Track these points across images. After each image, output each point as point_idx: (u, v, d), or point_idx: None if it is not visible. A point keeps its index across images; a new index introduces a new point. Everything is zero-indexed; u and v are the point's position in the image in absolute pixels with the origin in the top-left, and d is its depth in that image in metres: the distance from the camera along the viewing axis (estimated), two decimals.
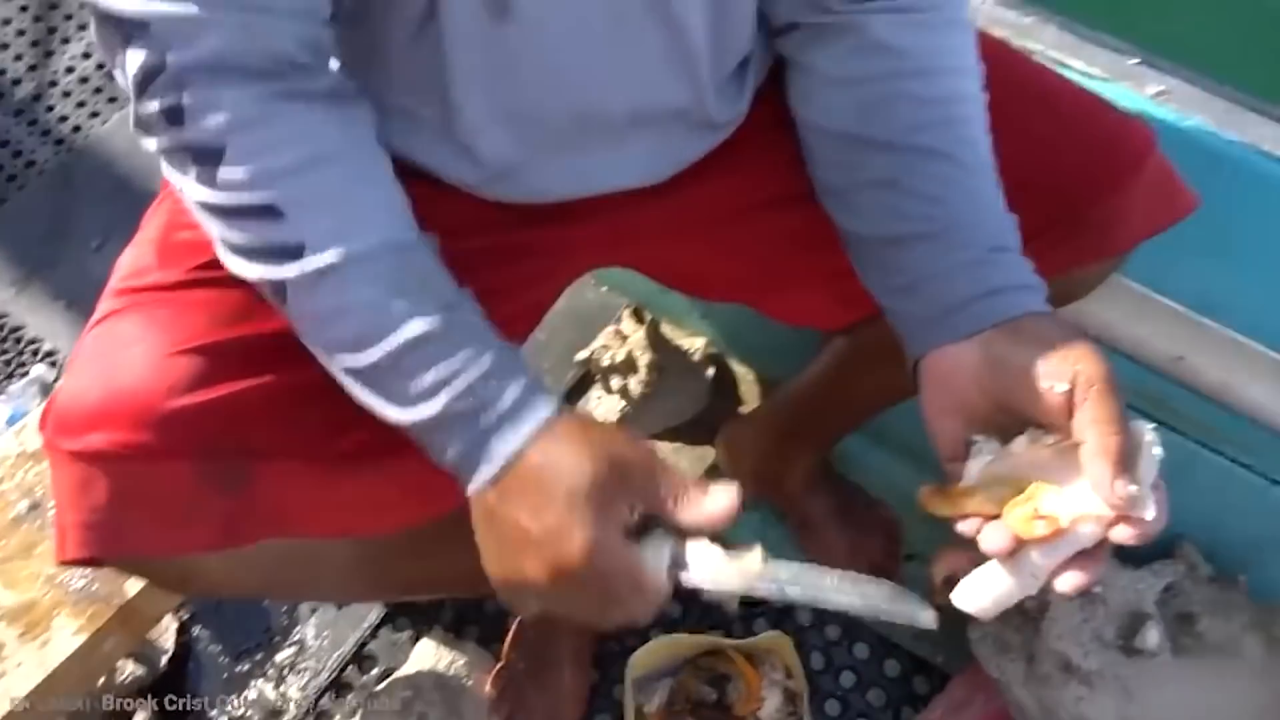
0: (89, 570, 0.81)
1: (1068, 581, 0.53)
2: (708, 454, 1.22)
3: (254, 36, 0.54)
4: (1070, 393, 0.52)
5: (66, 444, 0.59)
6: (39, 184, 1.48)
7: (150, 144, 0.57)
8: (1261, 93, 0.87)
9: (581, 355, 1.27)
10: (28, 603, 0.79)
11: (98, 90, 1.57)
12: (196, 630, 1.11)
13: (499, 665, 1.05)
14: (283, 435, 0.62)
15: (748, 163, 0.75)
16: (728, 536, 0.55)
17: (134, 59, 0.54)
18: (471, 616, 1.11)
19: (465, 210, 0.69)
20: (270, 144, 0.55)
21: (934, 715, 1.04)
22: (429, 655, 1.05)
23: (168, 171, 0.57)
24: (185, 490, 0.59)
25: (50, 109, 1.56)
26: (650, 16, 0.63)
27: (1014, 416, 0.56)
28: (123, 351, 0.60)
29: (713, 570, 0.54)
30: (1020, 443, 0.55)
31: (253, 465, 0.61)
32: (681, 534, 0.54)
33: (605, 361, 1.23)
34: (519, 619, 1.07)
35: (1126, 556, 0.95)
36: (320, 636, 1.11)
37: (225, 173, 0.54)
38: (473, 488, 0.56)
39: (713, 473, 1.22)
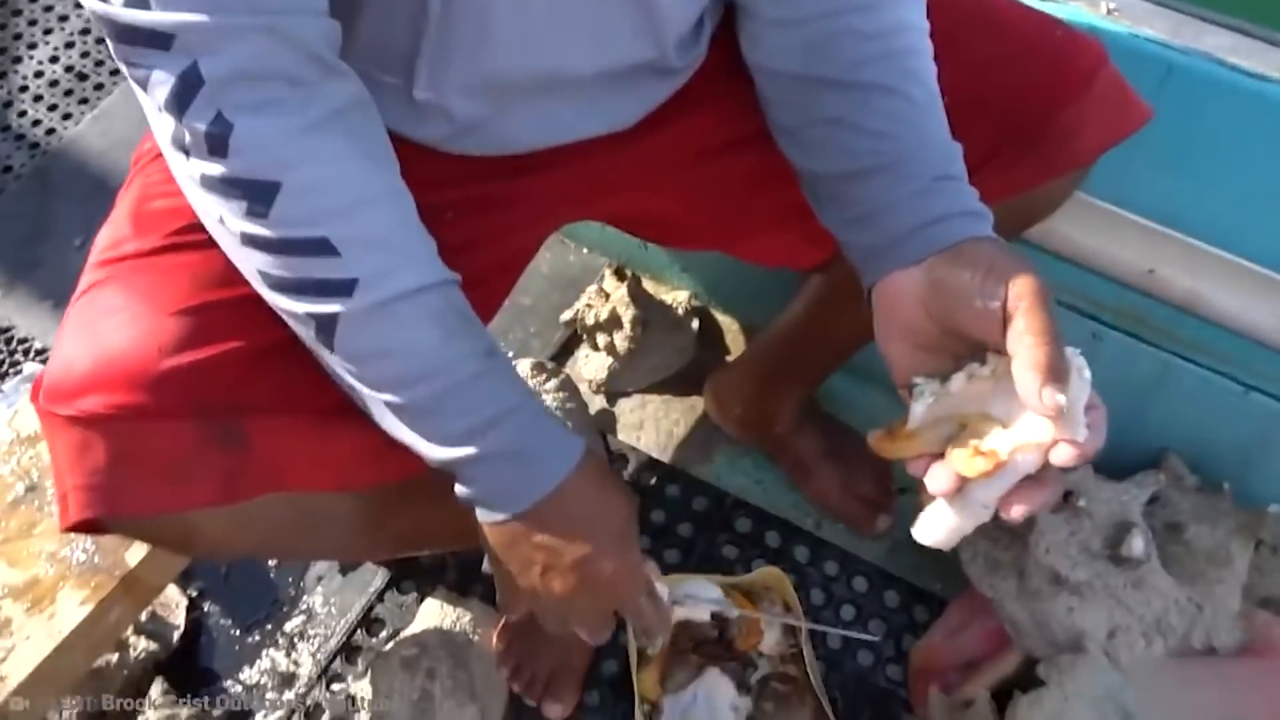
0: (90, 544, 0.82)
1: (1016, 510, 0.54)
2: (697, 404, 1.24)
3: (281, 38, 0.54)
4: (1004, 308, 0.54)
5: (61, 409, 0.60)
6: (17, 188, 1.48)
7: (189, 167, 0.56)
8: (1214, 5, 0.88)
9: (567, 316, 1.28)
10: (31, 579, 0.80)
11: (68, 93, 1.58)
12: (206, 606, 1.13)
13: (504, 618, 1.06)
14: (275, 391, 0.63)
15: (708, 105, 0.76)
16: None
17: (164, 74, 0.53)
18: (475, 575, 1.13)
19: (433, 164, 0.70)
20: (322, 182, 0.56)
21: (933, 640, 1.06)
22: (435, 614, 1.07)
23: (204, 198, 0.57)
24: (182, 448, 0.60)
25: (22, 114, 1.56)
26: None
27: (959, 340, 0.57)
28: (109, 319, 0.61)
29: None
30: (958, 380, 0.57)
31: (247, 421, 0.62)
32: None
33: (590, 320, 1.25)
34: None
35: (1111, 470, 0.97)
36: (327, 604, 1.13)
37: (279, 209, 0.55)
38: (500, 517, 0.62)
39: (703, 422, 1.23)
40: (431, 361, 0.58)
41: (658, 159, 0.78)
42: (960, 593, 1.06)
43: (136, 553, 0.82)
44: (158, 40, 0.52)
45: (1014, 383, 0.53)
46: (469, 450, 0.59)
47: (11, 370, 1.32)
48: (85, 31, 1.63)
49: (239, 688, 1.09)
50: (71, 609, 0.78)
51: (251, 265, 0.58)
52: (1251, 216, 0.88)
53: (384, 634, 1.11)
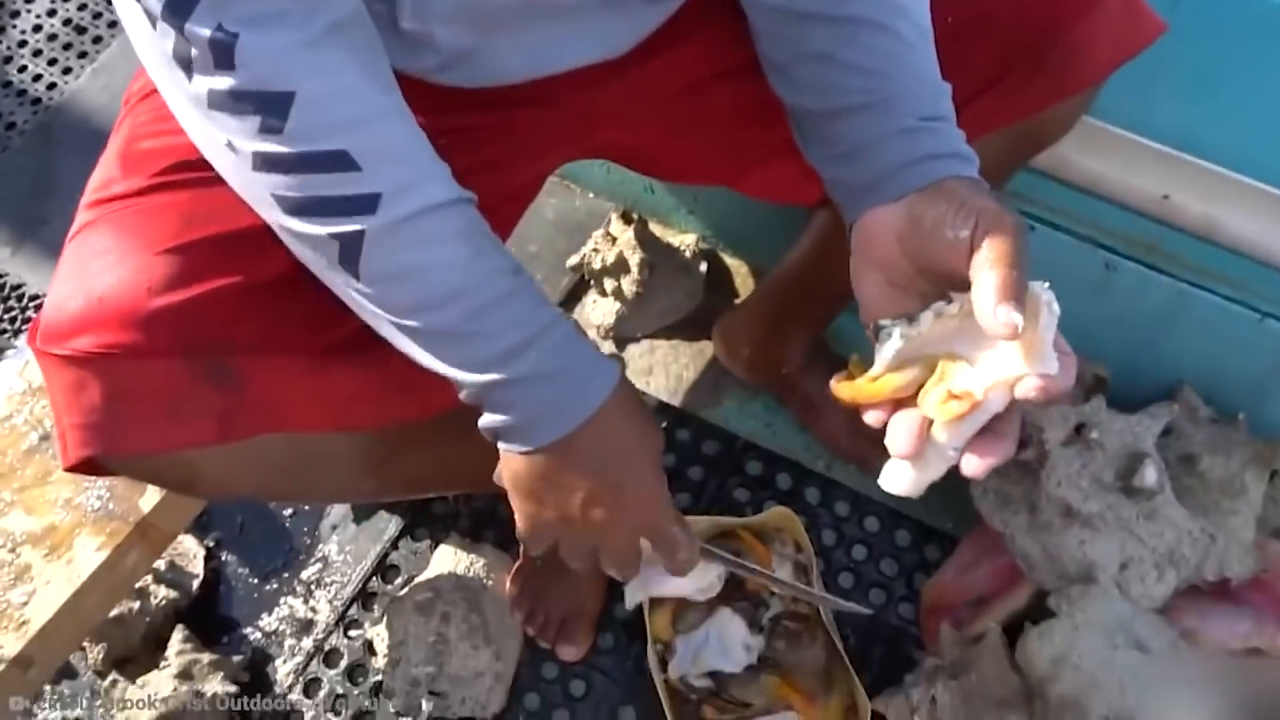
0: (105, 491, 0.83)
1: (976, 465, 0.52)
2: (706, 348, 1.23)
3: None
4: (972, 239, 0.53)
5: (56, 349, 0.60)
6: (20, 144, 1.48)
7: (193, 86, 0.54)
8: None
9: (573, 261, 1.28)
10: (49, 526, 0.81)
11: (67, 46, 1.57)
12: (224, 555, 1.15)
13: (517, 562, 1.07)
14: (267, 330, 0.63)
15: (701, 34, 0.74)
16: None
17: None
18: (488, 521, 1.14)
19: (426, 96, 0.69)
20: (334, 94, 0.54)
21: (945, 578, 1.06)
22: (448, 559, 1.08)
23: (212, 120, 0.54)
24: (176, 386, 0.60)
25: (23, 69, 1.55)
26: None
27: (931, 279, 0.56)
28: (100, 259, 0.61)
29: None
30: (926, 319, 0.55)
31: (240, 360, 0.62)
32: None
33: (597, 265, 1.24)
34: None
35: (1124, 403, 0.96)
36: (343, 552, 1.14)
37: (295, 121, 0.53)
38: (534, 446, 0.59)
39: (712, 366, 1.23)
40: (460, 280, 0.56)
41: (652, 89, 0.76)
42: (971, 530, 1.06)
43: (150, 499, 0.83)
44: None
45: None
46: (503, 374, 0.57)
47: (24, 327, 1.33)
48: None
49: (258, 634, 1.10)
50: (88, 554, 0.79)
51: (265, 190, 0.56)
52: (1269, 139, 0.86)
53: (399, 580, 1.12)
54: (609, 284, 1.24)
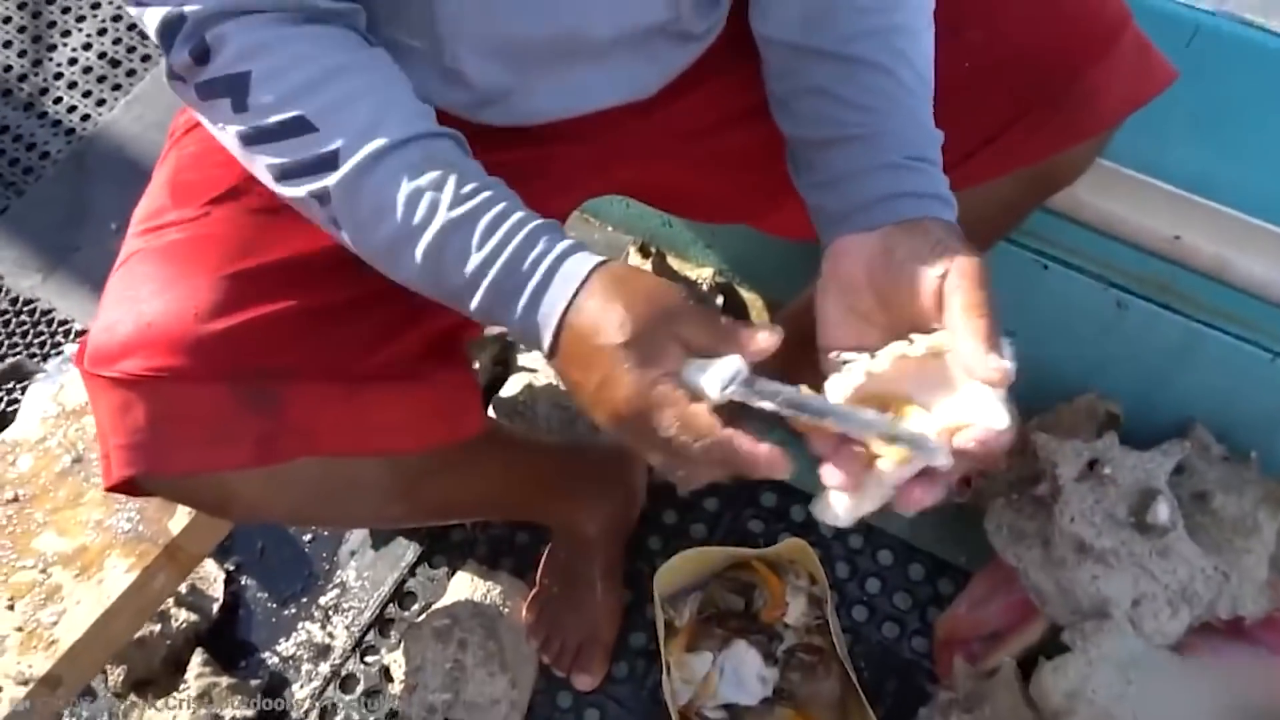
0: (135, 513, 0.85)
1: (913, 501, 0.53)
2: None
3: None
4: (943, 280, 0.54)
5: (104, 371, 0.62)
6: (54, 173, 1.52)
7: (189, 92, 0.59)
8: None
9: None
10: (80, 547, 0.83)
11: (101, 79, 1.61)
12: (244, 580, 1.16)
13: (533, 590, 1.08)
14: (308, 357, 0.65)
15: (727, 74, 0.77)
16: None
17: (153, 16, 0.57)
18: (505, 549, 1.15)
19: (462, 133, 0.71)
20: (290, 61, 0.58)
21: (959, 612, 1.06)
22: (465, 587, 1.09)
23: (203, 117, 0.60)
24: (219, 410, 0.62)
25: (58, 100, 1.59)
26: None
27: (891, 314, 0.57)
28: (148, 284, 0.63)
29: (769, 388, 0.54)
30: (887, 356, 0.55)
31: (281, 386, 0.64)
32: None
33: None
34: (550, 546, 1.10)
35: (1137, 440, 0.97)
36: (361, 578, 1.15)
37: (254, 96, 0.57)
38: (546, 357, 0.58)
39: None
40: (423, 215, 0.57)
41: (675, 128, 0.78)
42: (984, 565, 1.06)
43: (179, 521, 0.84)
44: None
45: (938, 365, 0.53)
46: (482, 296, 0.57)
47: (53, 352, 1.36)
48: (117, 18, 1.66)
49: (276, 659, 1.11)
50: (118, 575, 0.81)
51: (258, 165, 0.60)
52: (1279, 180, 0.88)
53: (415, 607, 1.13)
54: None
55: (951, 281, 0.54)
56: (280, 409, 0.64)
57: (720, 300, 1.28)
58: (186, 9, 0.56)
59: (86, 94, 1.59)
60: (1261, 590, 0.93)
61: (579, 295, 0.55)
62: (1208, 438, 1.02)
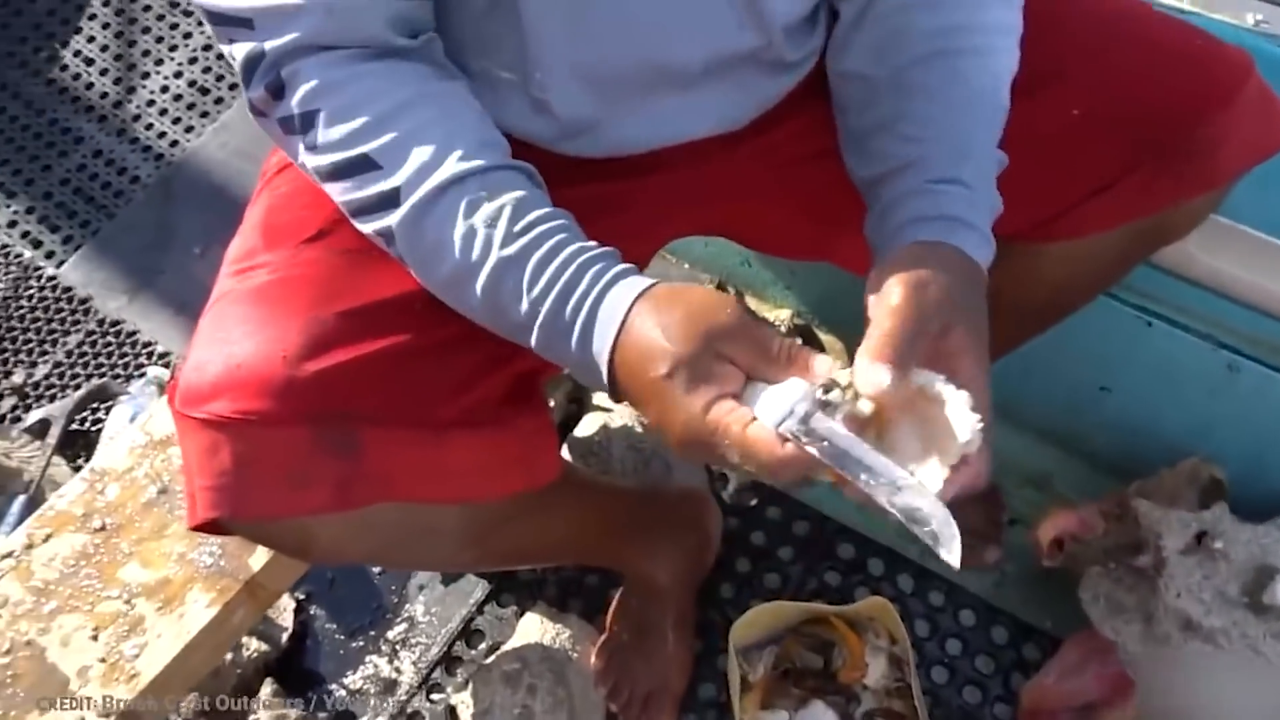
0: (217, 548, 0.85)
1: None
2: None
3: (339, 21, 0.58)
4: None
5: (194, 411, 0.62)
6: (143, 197, 1.56)
7: (271, 128, 0.61)
8: None
9: None
10: (162, 579, 0.83)
11: (190, 106, 1.65)
12: (313, 610, 1.16)
13: (603, 636, 1.06)
14: (389, 402, 0.64)
15: (819, 105, 0.75)
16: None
17: (239, 51, 0.59)
18: (574, 590, 1.13)
19: (548, 165, 0.70)
20: (360, 98, 0.58)
21: (1048, 680, 1.02)
22: (534, 629, 1.08)
23: (287, 151, 0.61)
24: (301, 454, 0.62)
25: (149, 126, 1.64)
26: None
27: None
28: (239, 327, 0.63)
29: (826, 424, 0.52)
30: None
31: (362, 431, 0.63)
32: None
33: None
34: (621, 592, 1.08)
35: (1250, 512, 0.92)
36: (429, 613, 1.15)
37: (323, 135, 0.58)
38: (611, 398, 0.58)
39: None
40: (472, 253, 0.57)
41: (771, 157, 0.77)
42: (1073, 631, 1.01)
43: (259, 558, 0.84)
44: (238, 24, 0.58)
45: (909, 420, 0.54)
46: (537, 332, 0.57)
47: (137, 374, 1.38)
48: (207, 48, 1.70)
49: (343, 691, 1.11)
50: (199, 610, 0.81)
51: (340, 203, 0.61)
52: None
53: (483, 646, 1.11)
54: None
55: (887, 285, 0.55)
56: (360, 453, 0.63)
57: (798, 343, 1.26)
58: (267, 45, 0.58)
59: (176, 120, 1.63)
60: None
61: (623, 331, 0.55)
62: None
